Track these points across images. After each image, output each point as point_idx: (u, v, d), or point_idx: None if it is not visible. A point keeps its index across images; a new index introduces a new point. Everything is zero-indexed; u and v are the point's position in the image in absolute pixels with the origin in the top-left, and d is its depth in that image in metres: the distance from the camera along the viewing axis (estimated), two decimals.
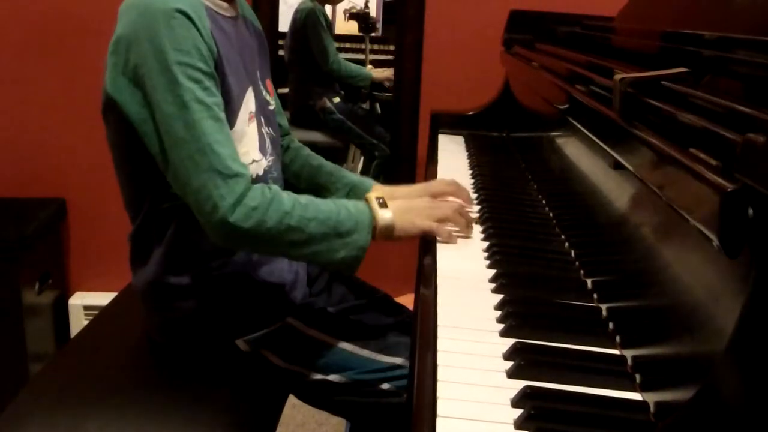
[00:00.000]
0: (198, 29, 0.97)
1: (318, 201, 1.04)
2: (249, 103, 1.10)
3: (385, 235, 1.06)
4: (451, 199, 1.20)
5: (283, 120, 1.34)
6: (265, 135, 1.15)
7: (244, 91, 1.09)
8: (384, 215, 1.05)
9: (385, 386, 1.11)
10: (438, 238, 1.05)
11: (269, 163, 1.14)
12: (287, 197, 1.01)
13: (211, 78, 0.99)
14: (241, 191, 0.96)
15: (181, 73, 0.94)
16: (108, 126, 1.06)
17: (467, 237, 1.09)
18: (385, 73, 2.65)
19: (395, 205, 1.08)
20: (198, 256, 1.09)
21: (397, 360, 1.12)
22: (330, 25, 2.64)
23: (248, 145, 1.09)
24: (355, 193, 1.27)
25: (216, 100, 0.98)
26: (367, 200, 1.08)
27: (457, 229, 1.09)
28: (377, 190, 1.22)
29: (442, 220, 1.08)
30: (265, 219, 0.97)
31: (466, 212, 1.12)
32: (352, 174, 1.33)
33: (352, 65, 2.68)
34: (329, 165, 1.34)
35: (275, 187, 1.02)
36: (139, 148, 1.01)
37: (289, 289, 1.18)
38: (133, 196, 1.10)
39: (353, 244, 1.02)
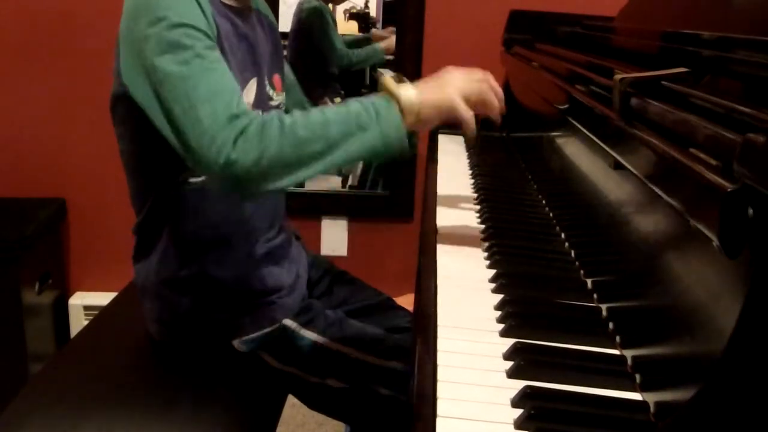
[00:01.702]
0: (201, 7, 0.96)
1: (318, 108, 0.95)
2: (249, 94, 1.10)
3: (413, 112, 0.92)
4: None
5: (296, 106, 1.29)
6: None
7: (246, 80, 1.09)
8: (406, 91, 0.92)
9: (383, 390, 1.10)
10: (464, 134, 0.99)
11: None
12: (287, 116, 0.93)
13: (214, 44, 0.97)
14: (242, 126, 0.90)
15: (183, 34, 0.93)
16: (115, 118, 1.07)
17: (497, 120, 1.02)
18: (387, 41, 2.59)
19: (417, 84, 0.96)
20: (198, 250, 1.09)
21: (396, 364, 1.11)
22: (335, 22, 2.63)
23: None
24: None
25: (218, 55, 0.95)
26: (379, 82, 0.96)
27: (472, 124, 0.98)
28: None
29: (472, 98, 0.98)
30: (267, 144, 0.89)
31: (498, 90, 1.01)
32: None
33: (360, 51, 2.64)
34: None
35: (274, 113, 0.96)
36: (147, 139, 1.00)
37: (288, 292, 1.17)
38: (139, 189, 1.10)
39: (386, 124, 0.90)
